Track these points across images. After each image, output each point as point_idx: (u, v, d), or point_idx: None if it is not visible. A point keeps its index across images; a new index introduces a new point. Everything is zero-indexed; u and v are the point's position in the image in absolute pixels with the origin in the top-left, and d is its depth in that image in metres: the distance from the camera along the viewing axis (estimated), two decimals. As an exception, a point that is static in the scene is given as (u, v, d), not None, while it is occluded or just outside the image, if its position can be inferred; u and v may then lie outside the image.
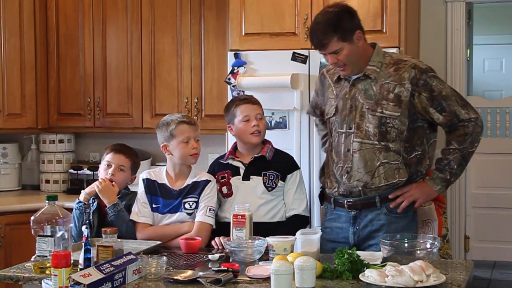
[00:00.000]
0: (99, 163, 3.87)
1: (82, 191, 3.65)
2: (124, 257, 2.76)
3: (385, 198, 3.33)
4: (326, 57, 3.33)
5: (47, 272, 2.86)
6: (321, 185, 3.61)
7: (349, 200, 3.36)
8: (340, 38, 3.25)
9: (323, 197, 3.57)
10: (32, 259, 3.01)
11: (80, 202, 3.58)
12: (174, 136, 3.56)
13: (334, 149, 3.42)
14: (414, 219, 3.44)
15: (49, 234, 2.94)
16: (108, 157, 3.69)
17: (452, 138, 3.33)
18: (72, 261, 2.66)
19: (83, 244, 2.81)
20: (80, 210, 3.56)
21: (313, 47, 3.42)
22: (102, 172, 3.69)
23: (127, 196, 3.70)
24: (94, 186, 3.61)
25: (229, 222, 3.35)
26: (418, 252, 2.87)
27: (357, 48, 3.30)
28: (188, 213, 3.56)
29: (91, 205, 3.60)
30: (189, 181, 3.60)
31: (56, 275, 2.60)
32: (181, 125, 3.56)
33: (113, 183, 3.63)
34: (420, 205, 3.37)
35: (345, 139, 3.35)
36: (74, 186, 5.38)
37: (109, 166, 3.67)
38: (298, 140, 4.38)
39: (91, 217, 3.58)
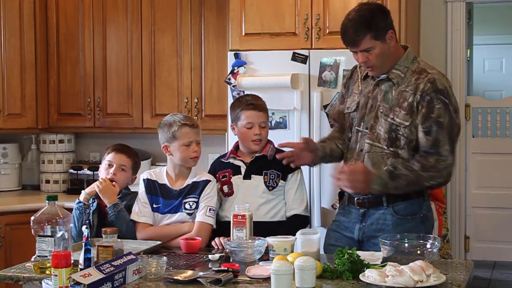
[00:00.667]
0: (99, 163, 3.87)
1: (82, 191, 3.65)
2: (124, 257, 2.76)
3: (392, 199, 3.30)
4: (357, 56, 3.29)
5: (47, 272, 2.86)
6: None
7: (358, 198, 3.36)
8: (373, 36, 3.21)
9: (342, 193, 3.54)
10: (32, 259, 3.01)
11: (80, 202, 3.59)
12: (176, 138, 3.55)
13: (349, 146, 3.42)
14: (423, 222, 3.36)
15: (49, 234, 2.94)
16: (109, 156, 3.70)
17: (418, 161, 3.22)
18: (72, 261, 2.66)
19: (83, 244, 2.81)
20: (80, 210, 3.57)
21: (345, 45, 3.32)
22: (103, 172, 3.69)
23: (128, 196, 3.70)
24: (94, 186, 3.61)
25: (230, 222, 3.35)
26: (418, 252, 2.87)
27: (389, 48, 3.26)
28: (188, 213, 3.56)
29: (91, 205, 3.61)
30: (189, 181, 3.60)
31: (56, 275, 2.60)
32: (183, 128, 3.56)
33: (114, 183, 3.64)
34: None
35: (360, 138, 3.35)
36: (74, 186, 5.38)
37: (110, 165, 3.68)
38: (298, 140, 4.37)
39: (91, 217, 3.59)
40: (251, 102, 3.68)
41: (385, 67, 3.30)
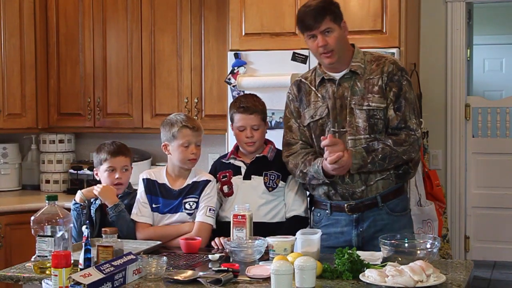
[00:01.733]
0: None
1: (78, 191, 3.63)
2: (124, 257, 2.76)
3: (385, 197, 3.35)
4: (315, 41, 3.31)
5: (47, 272, 2.86)
6: (308, 193, 3.59)
7: (350, 203, 3.36)
8: (332, 19, 3.31)
9: (312, 204, 3.55)
10: (32, 259, 3.01)
11: (76, 203, 3.57)
12: (176, 138, 3.55)
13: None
14: (411, 217, 3.52)
15: (49, 234, 2.94)
16: (108, 162, 3.65)
17: (390, 138, 3.31)
18: (72, 261, 2.66)
19: (83, 244, 2.81)
20: (77, 211, 3.55)
21: (302, 30, 3.36)
22: (107, 179, 3.65)
23: (129, 195, 3.69)
24: (93, 190, 3.60)
25: (230, 222, 3.35)
26: (418, 252, 2.87)
27: (344, 36, 3.37)
28: (188, 213, 3.56)
29: (93, 203, 3.60)
30: (189, 181, 3.60)
31: (56, 275, 2.60)
32: (183, 129, 3.55)
33: (122, 185, 3.64)
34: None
35: (339, 138, 3.34)
36: (74, 186, 5.37)
37: (113, 170, 3.66)
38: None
39: (93, 215, 3.58)
40: (242, 105, 3.64)
41: (342, 55, 3.36)
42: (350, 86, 3.36)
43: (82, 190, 3.64)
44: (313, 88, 3.46)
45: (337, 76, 3.39)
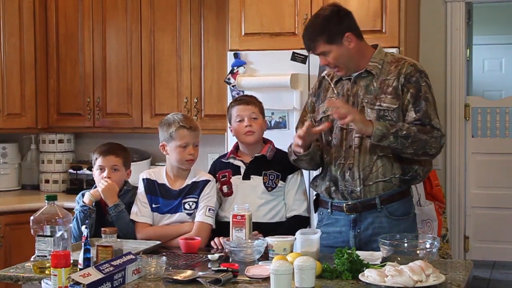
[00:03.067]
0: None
1: (87, 193, 3.59)
2: (123, 257, 2.76)
3: (385, 200, 3.31)
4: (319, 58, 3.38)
5: (47, 272, 2.86)
6: (315, 192, 3.59)
7: (348, 202, 3.36)
8: (327, 41, 3.28)
9: (317, 204, 3.56)
10: (31, 259, 3.01)
11: (84, 206, 3.55)
12: (173, 139, 3.55)
13: (332, 147, 3.38)
14: (414, 221, 3.44)
15: (48, 234, 2.94)
16: (98, 161, 3.65)
17: (415, 126, 3.24)
18: (71, 261, 2.66)
19: (82, 244, 2.81)
20: (84, 214, 3.52)
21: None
22: (98, 177, 3.64)
23: (129, 193, 3.67)
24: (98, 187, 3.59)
25: (229, 222, 3.34)
26: (418, 252, 2.87)
27: (348, 50, 3.31)
28: (188, 213, 3.56)
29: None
30: (188, 181, 3.60)
31: (55, 275, 2.60)
32: (181, 130, 3.55)
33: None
34: (345, 124, 3.25)
35: (347, 136, 3.35)
36: (74, 186, 5.38)
37: (102, 170, 3.65)
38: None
39: (93, 219, 3.57)
40: (239, 98, 3.77)
41: (351, 66, 3.35)
42: (366, 85, 3.35)
43: (91, 191, 3.59)
44: (332, 85, 3.46)
45: (354, 74, 3.38)
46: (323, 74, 3.58)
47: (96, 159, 3.67)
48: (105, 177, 3.60)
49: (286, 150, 3.64)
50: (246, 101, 3.68)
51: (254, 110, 3.65)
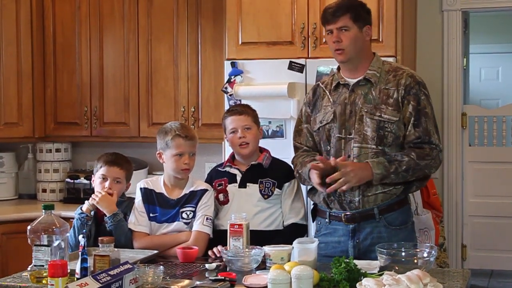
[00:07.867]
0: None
1: (86, 201, 3.59)
2: (121, 266, 2.76)
3: (383, 210, 3.31)
4: (330, 37, 3.35)
5: (44, 281, 2.85)
6: (312, 202, 3.58)
7: (347, 213, 3.35)
8: (353, 17, 3.31)
9: (315, 213, 3.55)
10: (28, 268, 3.00)
11: (82, 213, 3.54)
12: (169, 147, 3.55)
13: (332, 156, 3.37)
14: (413, 230, 3.45)
15: (45, 243, 2.93)
16: (102, 170, 3.65)
17: (413, 150, 3.28)
18: (68, 271, 2.66)
19: (79, 253, 2.80)
20: (81, 221, 3.52)
21: (323, 23, 3.39)
22: (98, 186, 3.64)
23: (123, 204, 3.67)
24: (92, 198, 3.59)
25: (225, 230, 3.34)
26: (415, 261, 2.87)
27: (363, 40, 3.36)
28: (185, 223, 3.55)
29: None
30: (186, 190, 3.59)
31: (52, 285, 2.60)
32: (177, 138, 3.54)
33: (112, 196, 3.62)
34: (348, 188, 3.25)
35: (345, 145, 3.34)
36: (71, 195, 5.38)
37: (104, 179, 3.65)
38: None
39: (89, 226, 3.57)
40: (232, 109, 3.76)
41: (353, 57, 3.35)
42: (364, 93, 3.35)
43: (90, 200, 3.57)
44: (327, 93, 3.46)
45: (352, 82, 3.39)
46: (318, 82, 3.58)
47: (101, 167, 3.66)
48: (106, 188, 3.59)
49: (283, 159, 3.64)
50: (238, 111, 3.68)
51: (247, 120, 3.65)
